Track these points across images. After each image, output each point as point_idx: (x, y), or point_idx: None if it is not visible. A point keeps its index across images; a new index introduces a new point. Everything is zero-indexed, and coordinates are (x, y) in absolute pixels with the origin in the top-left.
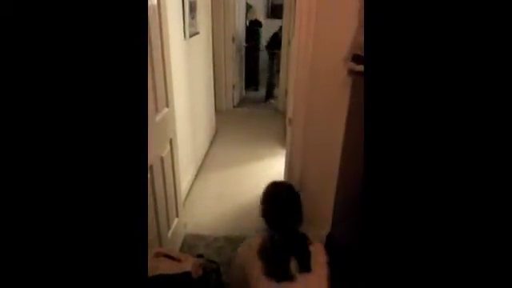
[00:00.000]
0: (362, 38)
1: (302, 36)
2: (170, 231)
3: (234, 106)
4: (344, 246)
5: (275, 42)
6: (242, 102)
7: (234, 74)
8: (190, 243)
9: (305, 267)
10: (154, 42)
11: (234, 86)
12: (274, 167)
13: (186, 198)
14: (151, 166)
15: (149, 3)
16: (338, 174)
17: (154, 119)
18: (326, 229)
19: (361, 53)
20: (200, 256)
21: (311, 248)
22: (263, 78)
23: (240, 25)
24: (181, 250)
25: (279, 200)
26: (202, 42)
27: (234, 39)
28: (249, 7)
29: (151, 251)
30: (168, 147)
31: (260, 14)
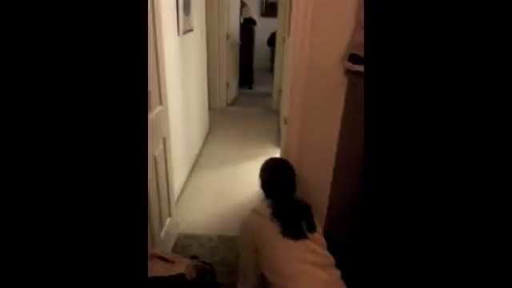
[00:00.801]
0: (358, 38)
1: (299, 35)
2: (163, 231)
3: (227, 105)
4: (340, 243)
5: (275, 39)
6: (236, 100)
7: (228, 71)
8: (184, 243)
9: (311, 227)
10: (147, 38)
11: (228, 84)
12: None
13: (179, 197)
14: None
15: None
16: (332, 173)
17: (148, 117)
18: (321, 227)
19: (358, 52)
20: (194, 257)
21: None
22: (257, 76)
23: (234, 22)
24: (174, 249)
25: (277, 171)
26: (196, 39)
27: (228, 37)
28: (243, 5)
29: None
30: (161, 146)
31: (254, 12)
